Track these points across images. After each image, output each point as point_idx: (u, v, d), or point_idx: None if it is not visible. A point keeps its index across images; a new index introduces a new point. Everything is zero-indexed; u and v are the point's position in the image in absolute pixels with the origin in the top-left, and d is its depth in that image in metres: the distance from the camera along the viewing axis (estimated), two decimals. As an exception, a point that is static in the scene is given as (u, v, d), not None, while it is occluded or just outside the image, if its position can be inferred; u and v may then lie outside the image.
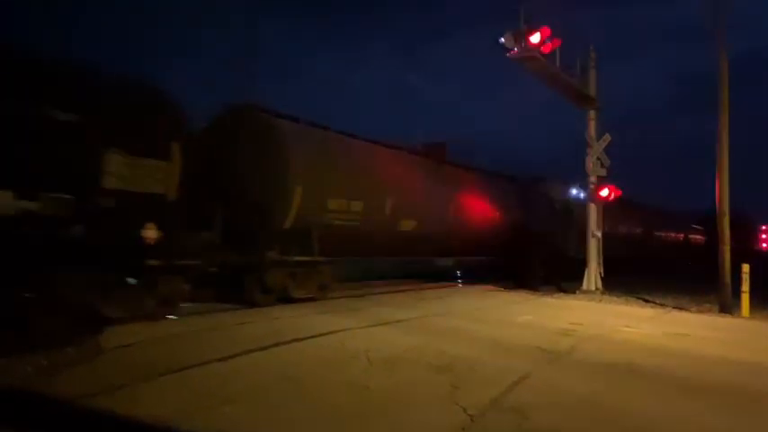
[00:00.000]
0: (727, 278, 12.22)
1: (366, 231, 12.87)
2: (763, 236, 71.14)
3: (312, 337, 7.79)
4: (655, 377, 6.01)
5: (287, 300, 11.45)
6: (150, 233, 8.41)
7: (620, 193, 16.04)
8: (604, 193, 15.63)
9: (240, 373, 5.86)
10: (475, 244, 17.75)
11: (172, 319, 9.07)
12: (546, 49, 12.99)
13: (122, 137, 8.10)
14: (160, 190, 8.58)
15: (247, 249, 10.87)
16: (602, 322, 10.11)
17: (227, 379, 5.65)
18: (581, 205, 16.93)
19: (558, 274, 17.96)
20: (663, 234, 35.71)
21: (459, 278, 20.55)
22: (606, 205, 16.42)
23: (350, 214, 12.35)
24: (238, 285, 11.04)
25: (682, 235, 40.31)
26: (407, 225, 14.28)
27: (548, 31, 12.90)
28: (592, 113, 16.05)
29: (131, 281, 8.51)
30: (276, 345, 7.19)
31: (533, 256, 19.42)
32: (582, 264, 16.01)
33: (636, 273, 21.97)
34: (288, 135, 11.47)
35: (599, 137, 15.84)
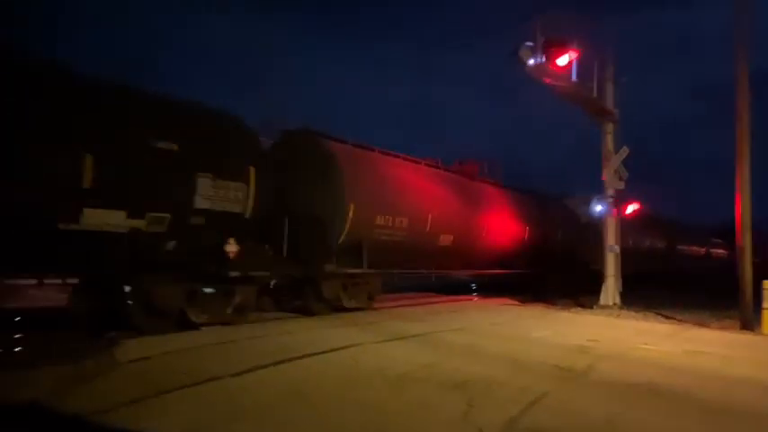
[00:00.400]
0: (748, 294, 11.99)
1: (410, 245, 13.73)
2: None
3: (325, 352, 7.75)
4: (675, 398, 5.88)
5: (338, 309, 12.37)
6: (231, 247, 9.67)
7: (640, 208, 15.90)
8: (629, 210, 15.52)
9: (251, 390, 5.84)
10: (499, 257, 17.86)
11: (186, 332, 9.15)
12: (564, 67, 12.94)
13: (211, 163, 9.34)
14: (239, 209, 9.76)
15: (307, 262, 11.76)
16: (621, 339, 9.95)
17: (237, 395, 5.64)
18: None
19: (578, 287, 17.91)
20: (686, 248, 35.79)
21: (475, 291, 20.47)
22: (629, 219, 16.32)
23: (395, 229, 13.18)
24: (297, 295, 12.35)
25: (704, 249, 40.21)
26: (445, 240, 14.98)
27: (574, 51, 12.87)
28: (609, 126, 15.89)
29: (210, 290, 9.77)
30: (289, 360, 7.16)
31: (554, 270, 19.44)
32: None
33: (657, 287, 21.81)
34: (341, 157, 12.33)
35: (616, 149, 15.70)
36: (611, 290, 15.43)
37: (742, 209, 12.24)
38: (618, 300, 15.38)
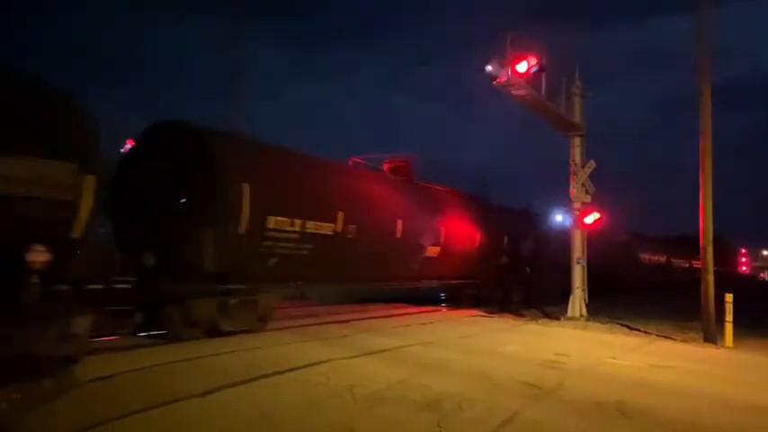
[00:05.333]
0: (711, 307, 12.23)
1: None
2: (743, 259, 72.44)
3: (294, 369, 7.62)
4: (643, 417, 5.91)
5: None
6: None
7: (603, 219, 16.09)
8: (589, 219, 15.65)
9: (218, 411, 5.68)
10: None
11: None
12: (532, 77, 13.08)
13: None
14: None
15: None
16: (588, 353, 10.04)
17: (203, 417, 5.48)
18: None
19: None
20: (678, 261, 42.30)
21: (444, 302, 20.51)
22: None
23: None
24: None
25: (688, 262, 44.50)
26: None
27: (534, 58, 12.98)
28: (576, 140, 16.10)
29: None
30: (256, 378, 7.01)
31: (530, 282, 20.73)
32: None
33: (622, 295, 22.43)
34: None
35: (584, 163, 15.92)
36: (578, 301, 15.59)
37: (705, 225, 12.51)
38: (584, 311, 15.54)
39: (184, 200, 9.85)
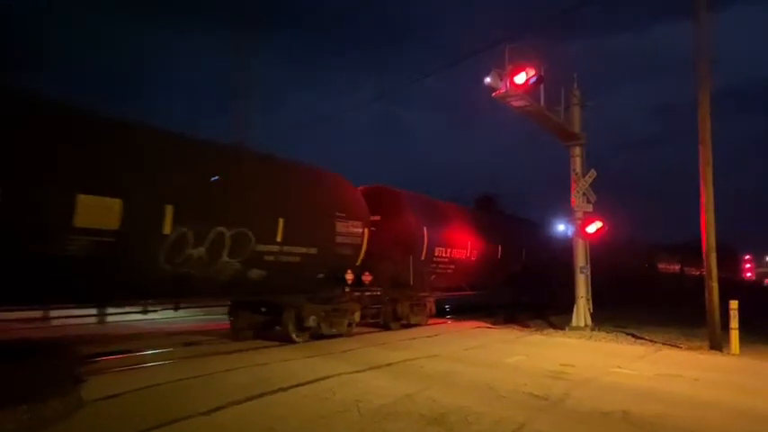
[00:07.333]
0: (716, 315, 12.19)
1: None
2: (747, 266, 72.18)
3: (300, 385, 7.64)
4: (650, 427, 5.90)
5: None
6: None
7: (606, 228, 16.05)
8: (591, 228, 15.62)
9: (223, 429, 5.71)
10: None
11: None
12: (531, 88, 13.16)
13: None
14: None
15: None
16: (594, 363, 10.01)
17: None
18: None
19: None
20: (689, 269, 43.89)
21: (448, 314, 20.52)
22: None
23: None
24: None
25: (698, 271, 46.14)
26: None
27: (532, 69, 13.05)
28: (577, 149, 16.14)
29: None
30: (262, 395, 7.03)
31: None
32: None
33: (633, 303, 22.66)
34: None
35: (585, 172, 15.95)
36: (582, 311, 15.55)
37: (707, 231, 12.50)
38: (589, 320, 15.51)
39: (393, 238, 14.77)
